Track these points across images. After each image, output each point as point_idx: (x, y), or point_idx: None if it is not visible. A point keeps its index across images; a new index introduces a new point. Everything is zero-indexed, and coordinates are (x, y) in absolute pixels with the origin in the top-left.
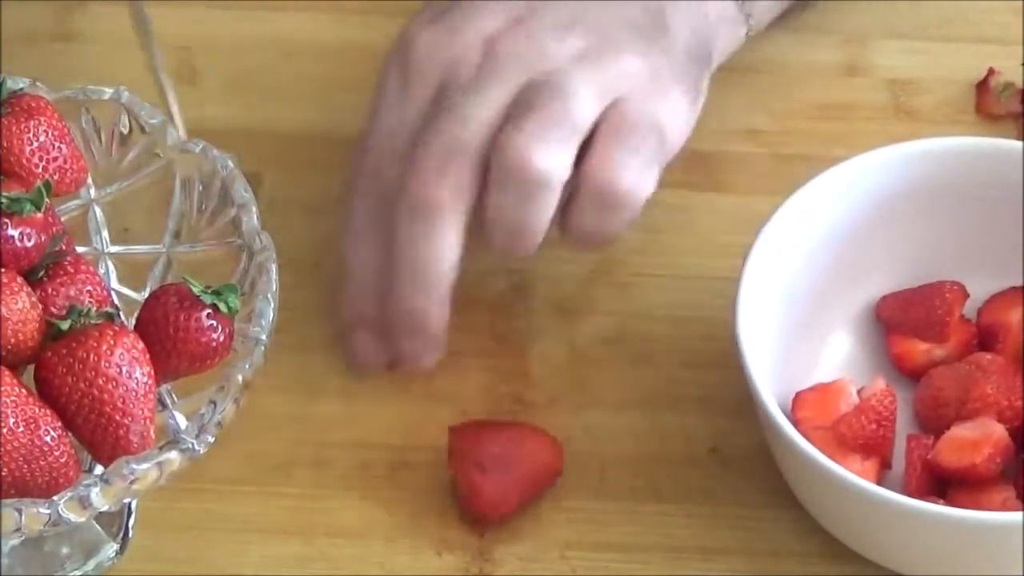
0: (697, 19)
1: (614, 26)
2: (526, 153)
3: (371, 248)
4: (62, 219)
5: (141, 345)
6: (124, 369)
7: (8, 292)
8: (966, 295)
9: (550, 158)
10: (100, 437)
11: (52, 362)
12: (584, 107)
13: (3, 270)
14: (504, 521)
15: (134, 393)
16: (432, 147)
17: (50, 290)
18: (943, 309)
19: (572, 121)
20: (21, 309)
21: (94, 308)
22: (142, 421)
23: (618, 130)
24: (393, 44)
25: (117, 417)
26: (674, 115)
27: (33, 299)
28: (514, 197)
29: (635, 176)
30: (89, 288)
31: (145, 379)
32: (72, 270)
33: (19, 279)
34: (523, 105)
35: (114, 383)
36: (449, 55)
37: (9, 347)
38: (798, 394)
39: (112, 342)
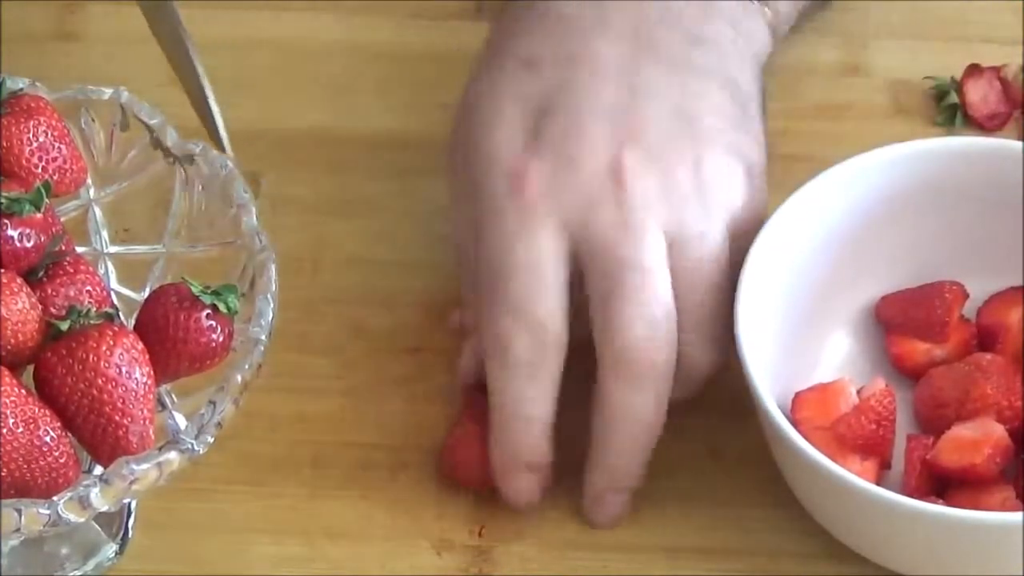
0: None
1: (714, 124)
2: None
3: (544, 393)
4: (62, 219)
5: (141, 345)
6: (124, 369)
7: (8, 292)
8: (966, 295)
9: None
10: (100, 437)
11: (52, 362)
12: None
13: (3, 270)
14: (480, 486)
15: (134, 393)
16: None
17: (50, 290)
18: (943, 309)
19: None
20: (21, 309)
21: (94, 308)
22: (142, 421)
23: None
24: (483, 157)
25: (117, 417)
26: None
27: (33, 299)
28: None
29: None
30: (89, 288)
31: (145, 379)
32: (72, 270)
33: (19, 279)
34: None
35: (114, 383)
36: (579, 193)
37: (9, 347)
38: (798, 394)
39: (112, 342)
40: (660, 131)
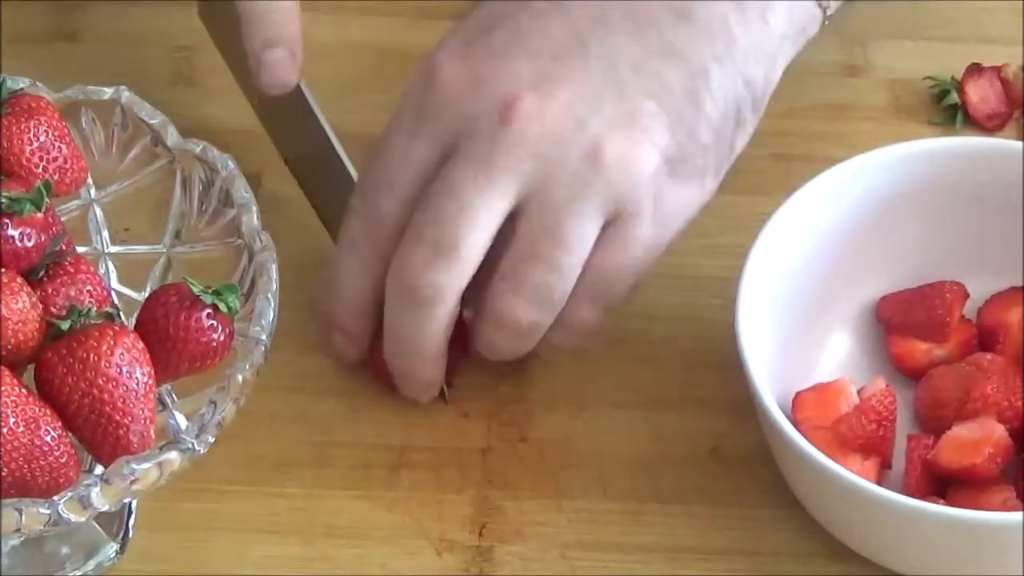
0: (744, 70)
1: (645, 100)
2: (515, 312)
3: (361, 271)
4: (62, 219)
5: (141, 345)
6: (124, 369)
7: (8, 292)
8: (966, 295)
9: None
10: (100, 437)
11: (52, 362)
12: (577, 255)
13: (3, 270)
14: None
15: (134, 393)
16: (429, 239)
17: (50, 290)
18: (943, 309)
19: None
20: (21, 309)
21: (94, 308)
22: (142, 421)
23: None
24: (425, 59)
25: (117, 417)
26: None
27: (33, 299)
28: (503, 341)
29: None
30: (89, 288)
31: (145, 379)
32: (72, 270)
33: (19, 279)
34: (523, 255)
35: (114, 383)
36: (468, 109)
37: (9, 347)
38: (798, 394)
39: (112, 342)
40: (588, 91)
